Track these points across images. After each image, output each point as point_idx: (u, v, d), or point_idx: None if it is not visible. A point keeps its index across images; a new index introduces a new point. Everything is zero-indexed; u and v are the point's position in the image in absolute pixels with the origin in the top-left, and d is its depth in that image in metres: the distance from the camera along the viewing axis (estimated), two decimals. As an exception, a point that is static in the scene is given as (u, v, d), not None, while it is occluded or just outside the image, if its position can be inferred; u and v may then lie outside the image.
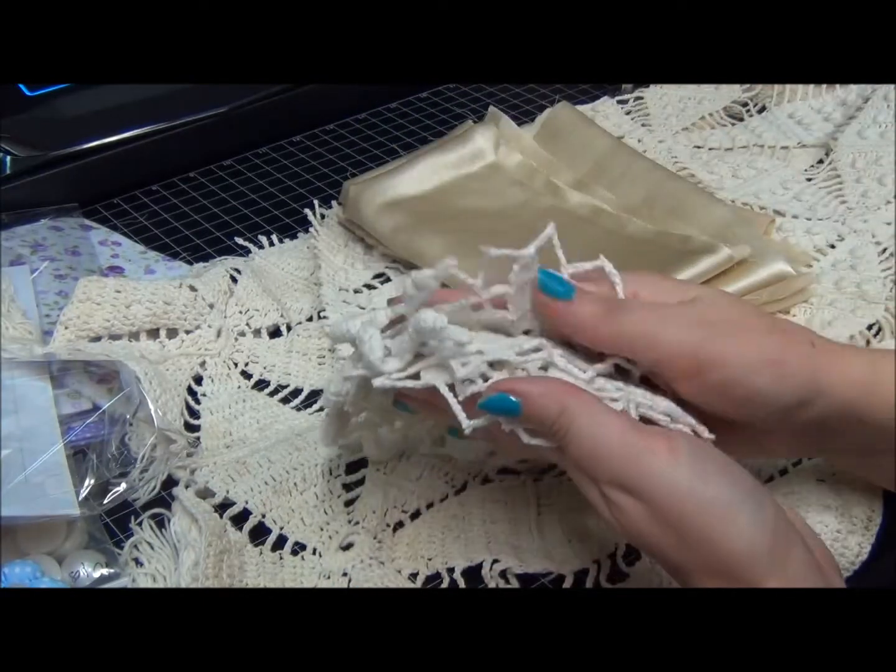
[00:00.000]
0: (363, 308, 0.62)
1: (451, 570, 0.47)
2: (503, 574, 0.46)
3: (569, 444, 0.38)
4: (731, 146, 0.75)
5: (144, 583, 0.46)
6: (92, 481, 0.48)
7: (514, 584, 0.46)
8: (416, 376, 0.40)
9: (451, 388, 0.39)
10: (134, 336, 0.58)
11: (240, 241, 0.68)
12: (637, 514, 0.37)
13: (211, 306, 0.60)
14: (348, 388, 0.43)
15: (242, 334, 0.60)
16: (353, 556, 0.48)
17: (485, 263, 0.39)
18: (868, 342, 0.58)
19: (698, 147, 0.76)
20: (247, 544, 0.48)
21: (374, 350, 0.40)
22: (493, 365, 0.39)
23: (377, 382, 0.40)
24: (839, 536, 0.47)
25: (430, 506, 0.50)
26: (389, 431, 0.50)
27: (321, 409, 0.55)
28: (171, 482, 0.51)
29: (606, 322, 0.40)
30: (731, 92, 0.81)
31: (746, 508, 0.37)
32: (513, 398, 0.38)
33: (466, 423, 0.39)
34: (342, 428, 0.48)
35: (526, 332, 0.41)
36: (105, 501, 0.48)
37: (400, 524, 0.49)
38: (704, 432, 0.40)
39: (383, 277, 0.65)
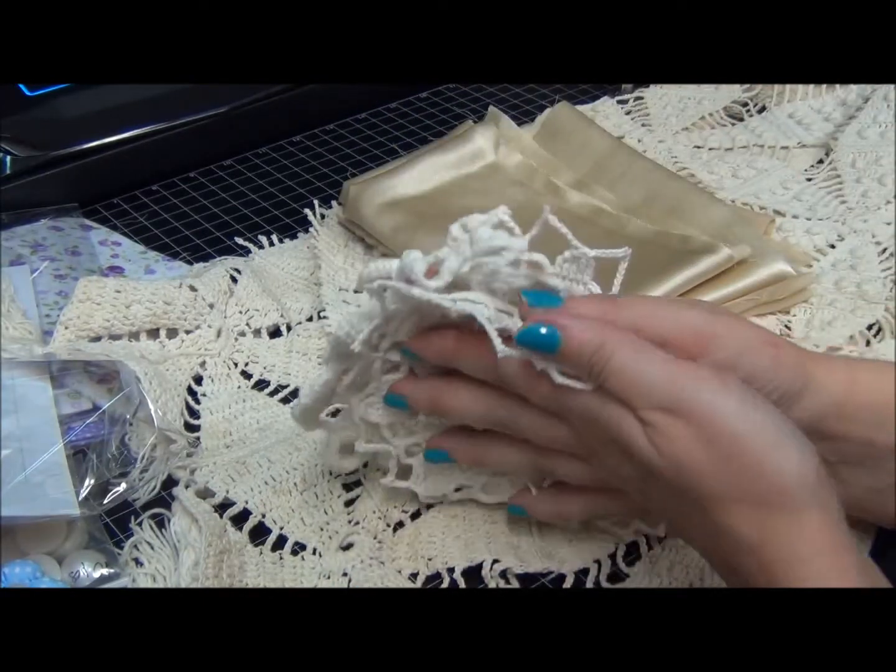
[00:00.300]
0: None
1: (451, 570, 0.47)
2: (503, 574, 0.46)
3: (608, 376, 0.38)
4: (731, 146, 0.75)
5: (144, 583, 0.46)
6: (92, 481, 0.48)
7: (515, 584, 0.46)
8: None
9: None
10: (134, 336, 0.58)
11: (240, 241, 0.68)
12: (681, 435, 0.37)
13: (211, 306, 0.60)
14: (364, 326, 0.42)
15: (242, 334, 0.60)
16: (353, 556, 0.48)
17: (540, 225, 0.39)
18: (868, 342, 0.58)
19: (698, 147, 0.76)
20: (247, 544, 0.48)
21: (416, 263, 0.39)
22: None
23: (416, 292, 0.39)
24: (839, 536, 0.47)
25: (430, 506, 0.50)
26: (363, 441, 0.48)
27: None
28: (171, 482, 0.51)
29: (611, 314, 0.40)
30: (731, 92, 0.81)
31: (795, 441, 0.37)
32: (551, 331, 0.38)
33: (501, 349, 0.38)
34: (330, 389, 0.46)
35: None
36: (105, 501, 0.48)
37: (400, 524, 0.49)
38: None
39: (383, 277, 0.65)
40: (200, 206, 0.72)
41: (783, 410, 0.41)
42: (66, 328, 0.57)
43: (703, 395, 0.37)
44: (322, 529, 0.49)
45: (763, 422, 0.37)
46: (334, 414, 0.48)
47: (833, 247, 0.65)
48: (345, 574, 0.47)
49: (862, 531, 0.47)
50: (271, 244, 0.67)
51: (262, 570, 0.47)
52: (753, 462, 0.36)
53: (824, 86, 0.78)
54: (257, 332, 0.61)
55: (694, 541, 0.41)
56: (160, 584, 0.46)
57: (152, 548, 0.47)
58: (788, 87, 0.78)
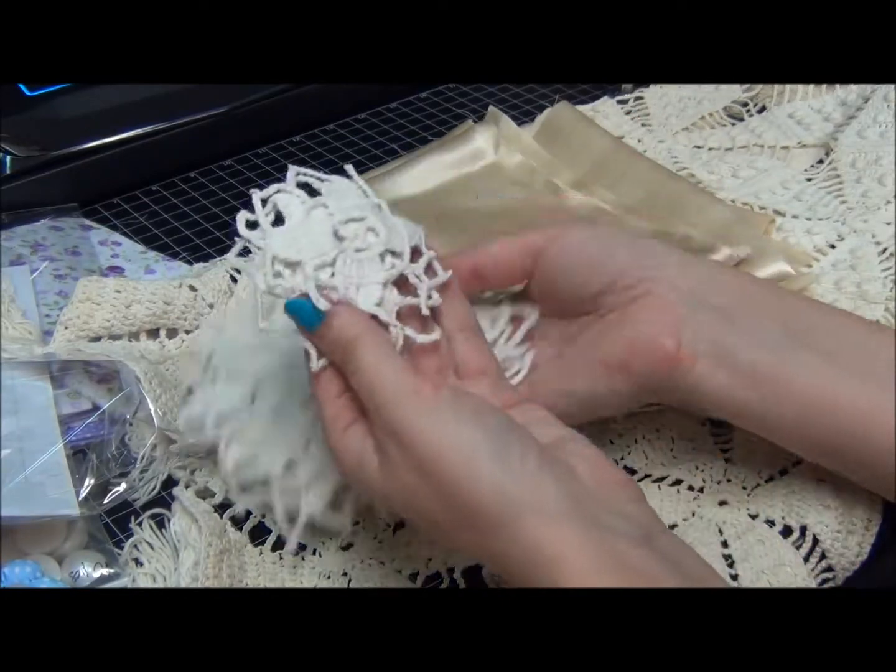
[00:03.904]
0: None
1: (451, 571, 0.47)
2: (503, 574, 0.46)
3: (352, 374, 0.38)
4: (731, 146, 0.75)
5: (144, 583, 0.46)
6: (92, 481, 0.48)
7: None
8: None
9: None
10: (134, 336, 0.58)
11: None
12: (401, 462, 0.36)
13: (211, 306, 0.60)
14: None
15: (242, 334, 0.60)
16: (353, 556, 0.48)
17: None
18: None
19: (698, 147, 0.76)
20: (247, 544, 0.48)
21: None
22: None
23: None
24: (839, 536, 0.47)
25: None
26: None
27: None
28: (171, 482, 0.51)
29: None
30: (731, 92, 0.80)
31: (489, 449, 0.36)
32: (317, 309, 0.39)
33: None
34: None
35: None
36: (105, 501, 0.48)
37: (400, 524, 0.49)
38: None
39: (383, 277, 0.65)
40: (200, 206, 0.72)
41: None
42: (66, 328, 0.56)
43: (412, 414, 0.36)
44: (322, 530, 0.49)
45: (459, 439, 0.36)
46: None
47: (833, 247, 0.65)
48: (345, 574, 0.47)
49: (863, 528, 0.47)
50: (271, 244, 0.67)
51: (262, 570, 0.47)
52: (453, 484, 0.36)
53: (824, 86, 0.78)
54: (257, 332, 0.61)
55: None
56: (160, 585, 0.46)
57: (152, 548, 0.47)
58: (788, 87, 0.78)
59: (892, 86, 0.74)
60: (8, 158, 0.68)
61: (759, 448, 0.52)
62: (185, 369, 0.52)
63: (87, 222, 0.69)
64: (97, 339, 0.57)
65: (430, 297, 0.40)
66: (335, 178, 0.42)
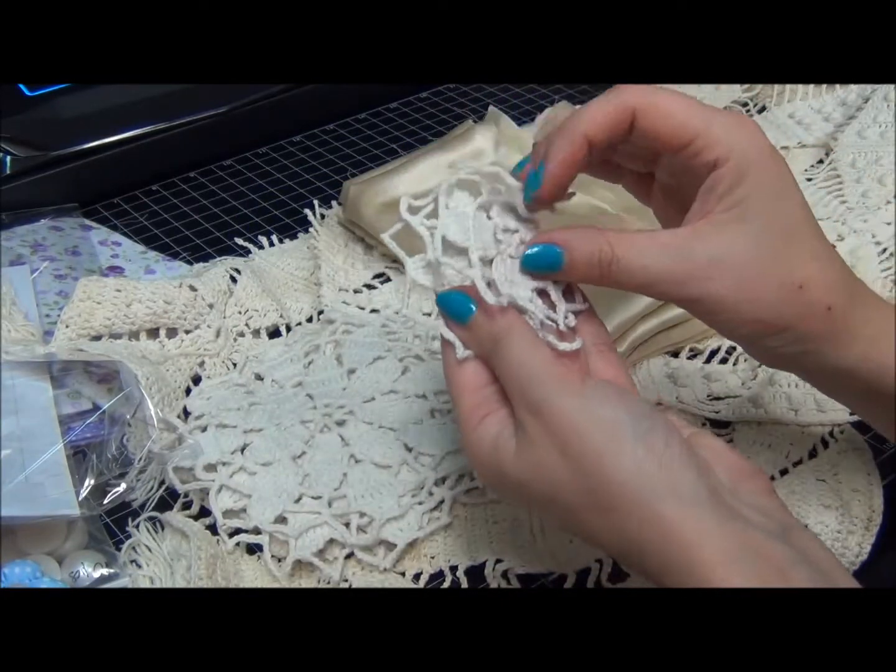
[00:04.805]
0: (363, 308, 0.62)
1: (454, 569, 0.47)
2: (505, 574, 0.46)
3: (501, 360, 0.39)
4: (731, 146, 0.75)
5: (143, 584, 0.46)
6: (92, 481, 0.48)
7: (516, 584, 0.46)
8: None
9: None
10: (134, 335, 0.58)
11: (240, 241, 0.68)
12: (540, 441, 0.37)
13: (210, 306, 0.60)
14: None
15: (241, 335, 0.60)
16: (353, 562, 0.47)
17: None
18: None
19: (698, 147, 0.76)
20: (243, 554, 0.48)
21: None
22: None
23: None
24: (839, 536, 0.47)
25: (432, 508, 0.49)
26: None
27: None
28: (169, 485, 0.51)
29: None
30: (731, 92, 0.81)
31: (633, 429, 0.36)
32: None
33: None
34: None
35: None
36: (105, 502, 0.48)
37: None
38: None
39: (383, 277, 0.65)
40: (200, 206, 0.72)
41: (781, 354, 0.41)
42: (67, 326, 0.57)
43: (556, 394, 0.37)
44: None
45: (604, 415, 0.36)
46: None
47: (833, 247, 0.65)
48: (345, 580, 0.47)
49: (863, 528, 0.47)
50: (271, 244, 0.67)
51: (258, 574, 0.47)
52: (592, 461, 0.36)
53: (824, 86, 0.78)
54: (256, 333, 0.61)
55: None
56: (157, 586, 0.46)
57: (150, 550, 0.47)
58: (788, 87, 0.78)
59: (892, 86, 0.74)
60: (8, 158, 0.68)
61: (760, 448, 0.52)
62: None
63: (87, 222, 0.70)
64: (98, 337, 0.57)
65: (566, 317, 0.41)
66: (492, 178, 0.43)
